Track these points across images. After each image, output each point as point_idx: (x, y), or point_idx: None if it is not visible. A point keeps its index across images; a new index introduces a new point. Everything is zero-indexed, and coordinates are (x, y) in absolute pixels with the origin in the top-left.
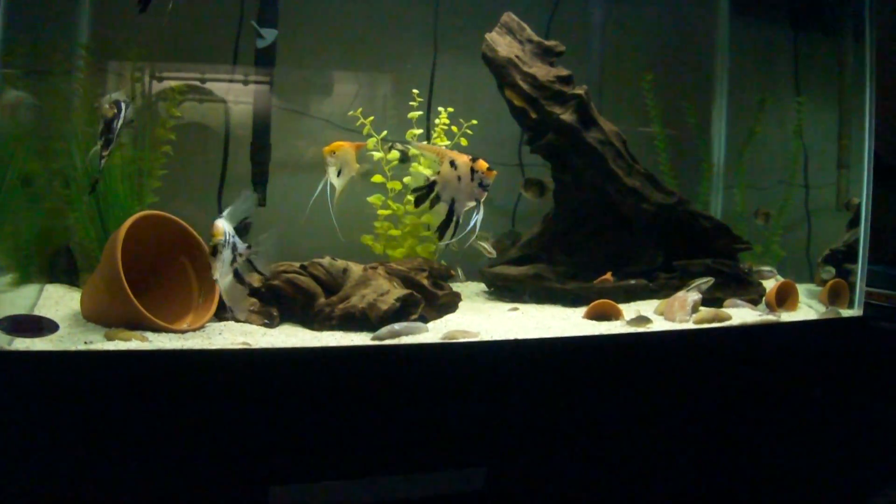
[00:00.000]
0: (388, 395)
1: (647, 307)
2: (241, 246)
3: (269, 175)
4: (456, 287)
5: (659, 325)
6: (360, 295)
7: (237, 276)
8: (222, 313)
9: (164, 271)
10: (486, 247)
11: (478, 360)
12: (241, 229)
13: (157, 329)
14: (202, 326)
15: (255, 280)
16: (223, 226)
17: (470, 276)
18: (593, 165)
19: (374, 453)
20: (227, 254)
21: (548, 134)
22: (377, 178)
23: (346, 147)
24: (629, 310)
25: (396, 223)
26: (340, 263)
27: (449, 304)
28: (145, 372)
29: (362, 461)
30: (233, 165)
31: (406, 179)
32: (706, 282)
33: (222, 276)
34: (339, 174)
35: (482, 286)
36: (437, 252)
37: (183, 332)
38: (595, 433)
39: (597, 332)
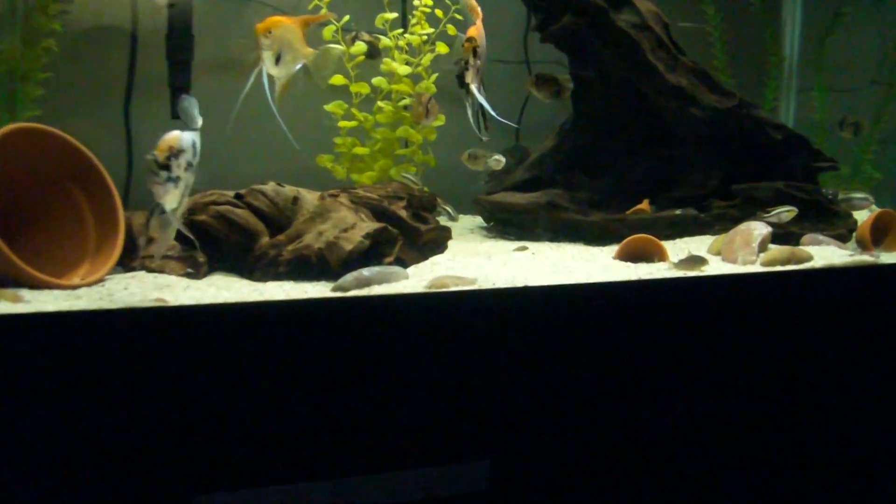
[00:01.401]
0: (354, 366)
1: (698, 245)
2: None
3: (192, 79)
4: (446, 222)
5: (716, 267)
6: (317, 232)
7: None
8: (129, 260)
9: (46, 207)
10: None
11: (475, 315)
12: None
13: (37, 285)
14: (101, 279)
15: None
16: (187, 138)
17: (461, 208)
18: (625, 57)
19: (335, 448)
20: (189, 179)
21: (565, 16)
22: (338, 80)
23: (286, 24)
24: (674, 248)
25: (363, 139)
26: (289, 191)
27: (435, 242)
28: (19, 345)
29: (319, 458)
30: (143, 67)
31: (376, 81)
32: (787, 211)
33: (170, 204)
34: (277, 62)
35: (478, 220)
36: (419, 175)
37: (74, 287)
38: (631, 412)
39: (633, 277)
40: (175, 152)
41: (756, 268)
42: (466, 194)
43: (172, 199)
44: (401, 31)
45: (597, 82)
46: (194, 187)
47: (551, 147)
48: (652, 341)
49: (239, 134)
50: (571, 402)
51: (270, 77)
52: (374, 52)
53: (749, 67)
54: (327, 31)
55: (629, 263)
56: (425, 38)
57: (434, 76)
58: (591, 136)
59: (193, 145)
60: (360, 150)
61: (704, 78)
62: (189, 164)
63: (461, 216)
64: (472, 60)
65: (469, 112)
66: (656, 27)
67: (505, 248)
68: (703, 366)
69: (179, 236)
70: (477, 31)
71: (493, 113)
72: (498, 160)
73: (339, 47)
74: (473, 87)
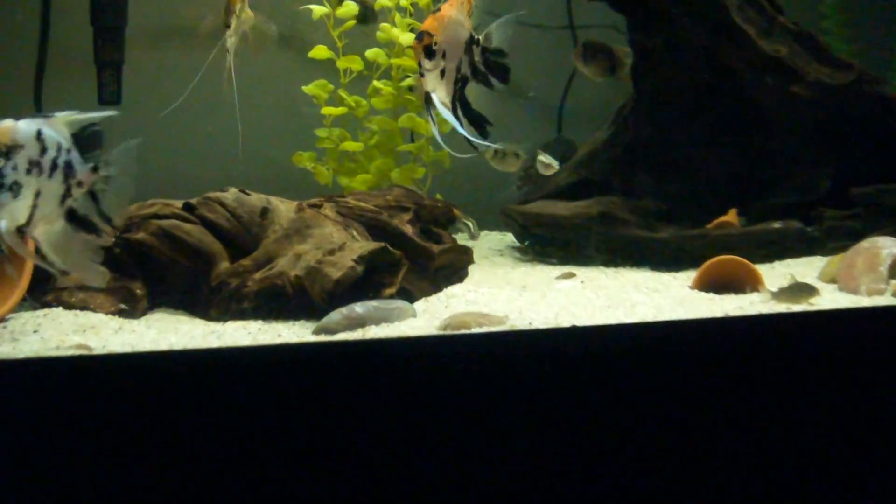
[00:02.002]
0: (344, 433)
1: (804, 269)
2: (81, 168)
3: (126, 54)
4: (465, 240)
5: (830, 299)
6: (293, 255)
7: (75, 220)
8: (42, 293)
9: None
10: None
11: (506, 366)
12: (87, 141)
13: None
14: (2, 318)
15: (105, 234)
16: (26, 129)
17: (486, 221)
18: (703, 18)
19: None
20: (44, 183)
21: None
22: (320, 52)
23: None
24: (772, 274)
25: (355, 132)
26: (256, 200)
27: (452, 267)
28: None
29: None
30: (60, 36)
31: (370, 53)
32: None
33: (41, 218)
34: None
35: (508, 238)
36: (427, 178)
37: None
38: (716, 489)
39: (718, 314)
40: (7, 149)
41: (887, 299)
42: (493, 203)
43: (11, 213)
44: None
45: (665, 52)
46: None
47: (605, 140)
48: (744, 398)
49: (187, 125)
50: (633, 480)
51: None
52: (367, 16)
53: (873, 30)
54: None
55: (712, 295)
56: None
57: None
58: (657, 124)
59: (41, 139)
60: (350, 146)
61: (811, 44)
62: (35, 165)
63: (486, 233)
64: (424, 63)
65: (435, 131)
66: None
67: (545, 275)
68: (812, 429)
69: (106, 257)
70: (439, 18)
71: (463, 132)
72: (547, 163)
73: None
74: (435, 98)
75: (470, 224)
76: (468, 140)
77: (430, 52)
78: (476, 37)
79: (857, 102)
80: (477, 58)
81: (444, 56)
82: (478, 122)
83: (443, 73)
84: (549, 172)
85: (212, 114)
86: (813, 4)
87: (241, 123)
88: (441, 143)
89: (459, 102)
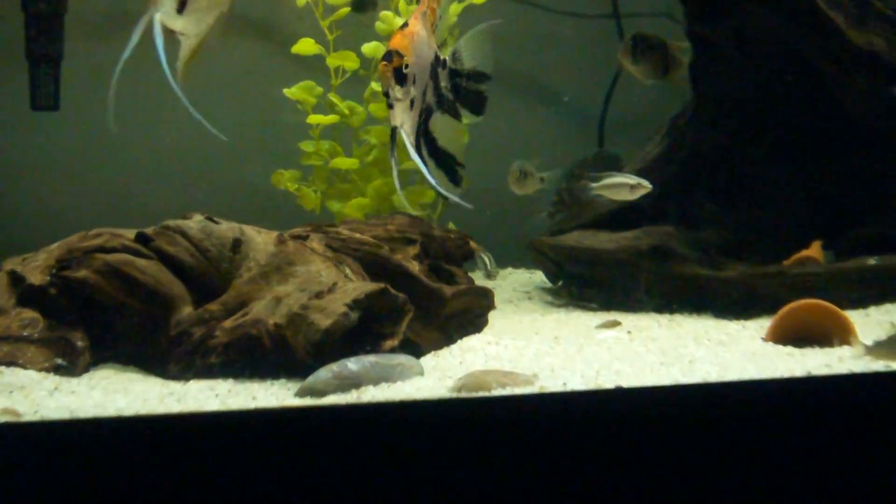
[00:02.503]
0: None
1: None
2: None
3: (65, 47)
4: (481, 280)
5: None
6: (272, 298)
7: None
8: None
9: None
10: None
11: (535, 435)
12: None
13: None
14: None
15: (33, 272)
16: None
17: (510, 256)
18: (778, 3)
19: None
20: None
21: None
22: (305, 47)
23: None
24: (867, 322)
25: (348, 146)
26: (227, 230)
27: (467, 313)
28: None
29: None
30: None
31: (367, 49)
32: None
33: None
34: (182, 9)
35: (537, 277)
36: (438, 204)
37: None
38: None
39: (798, 373)
40: None
41: None
42: (519, 235)
43: None
44: None
45: (732, 47)
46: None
47: (657, 156)
48: (830, 477)
49: (141, 135)
50: None
51: (168, 33)
52: (365, 2)
53: None
54: None
55: (790, 349)
56: None
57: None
58: (721, 136)
59: None
60: (342, 163)
61: None
62: None
63: (509, 270)
64: (394, 91)
65: (395, 173)
66: None
67: (582, 323)
68: None
69: (39, 298)
70: (409, 35)
71: (432, 181)
72: (631, 184)
73: None
74: (404, 135)
75: (486, 259)
76: (438, 192)
77: (401, 77)
78: (442, 57)
79: None
80: (444, 83)
81: (413, 82)
82: (447, 164)
83: (413, 103)
84: (634, 195)
85: (172, 121)
86: None
87: (208, 135)
88: (430, 179)
89: (424, 139)
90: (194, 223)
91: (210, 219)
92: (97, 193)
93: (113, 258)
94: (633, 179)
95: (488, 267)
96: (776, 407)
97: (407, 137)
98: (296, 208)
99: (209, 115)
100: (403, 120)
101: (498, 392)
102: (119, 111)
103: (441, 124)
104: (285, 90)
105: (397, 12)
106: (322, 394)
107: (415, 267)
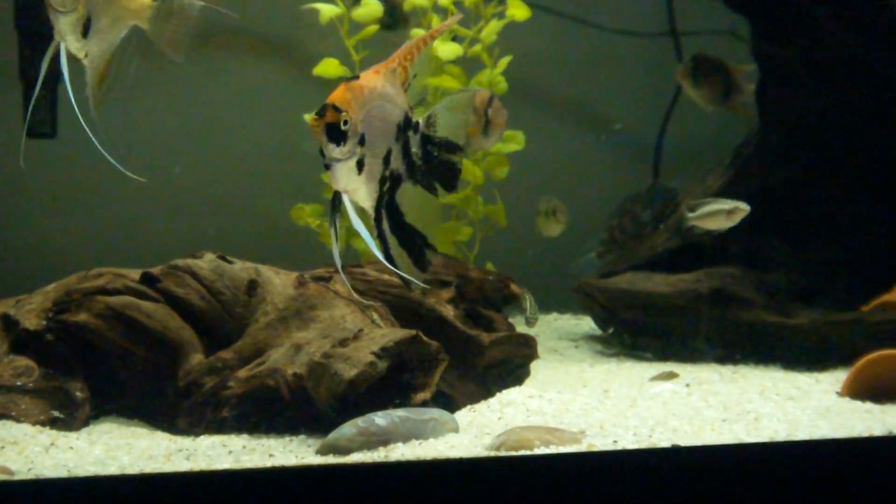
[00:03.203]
0: None
1: None
2: None
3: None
4: (521, 326)
5: None
6: (292, 345)
7: None
8: None
9: None
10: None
11: (583, 500)
12: None
13: None
14: None
15: (28, 316)
16: None
17: (552, 300)
18: (856, 20)
19: None
20: None
21: None
22: (329, 68)
23: None
24: None
25: None
26: (241, 270)
27: (508, 363)
28: None
29: None
30: None
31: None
32: None
33: None
34: (87, 31)
35: (584, 324)
36: (475, 242)
37: None
38: None
39: (879, 432)
40: None
41: None
42: (565, 276)
43: None
44: None
45: (803, 69)
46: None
47: (719, 188)
48: None
49: (148, 163)
50: None
51: (71, 57)
52: (395, 19)
53: None
54: None
55: (869, 405)
56: None
57: (504, 62)
58: (791, 167)
59: None
60: None
61: None
62: None
63: (554, 316)
64: (327, 149)
65: (366, 236)
66: None
67: (636, 374)
68: None
69: (34, 345)
70: (355, 88)
71: (381, 257)
72: (728, 209)
73: None
74: (347, 203)
75: (527, 301)
76: (399, 275)
77: (337, 135)
78: (413, 119)
79: None
80: (415, 148)
81: (362, 142)
82: (412, 243)
83: (361, 166)
84: (732, 221)
85: (183, 149)
86: None
87: (223, 165)
88: (379, 256)
89: (387, 211)
90: (205, 263)
91: (223, 258)
92: (99, 228)
93: (116, 301)
94: (728, 204)
95: (528, 310)
96: (852, 470)
97: (351, 205)
98: (318, 246)
99: (222, 143)
100: (350, 184)
101: (541, 451)
102: (124, 137)
103: (411, 197)
104: (306, 116)
105: (430, 29)
106: (346, 451)
107: (449, 312)
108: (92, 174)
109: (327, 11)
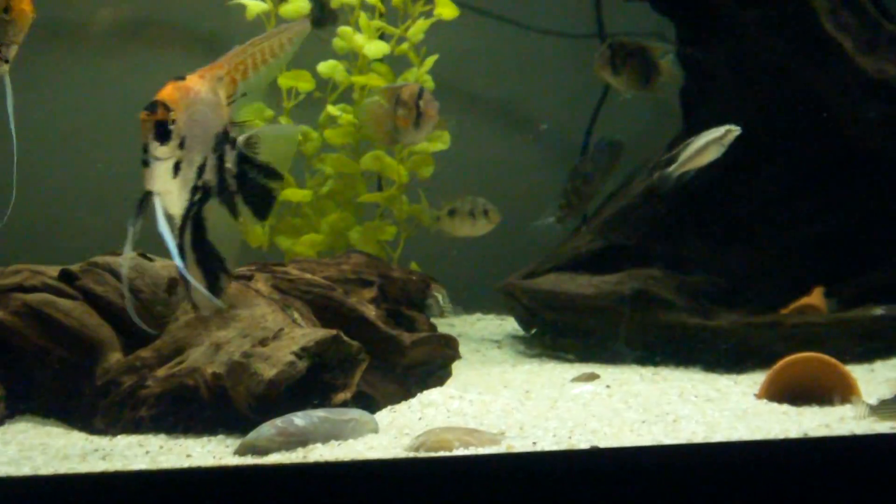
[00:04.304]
0: None
1: None
2: None
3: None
4: (443, 325)
5: None
6: (212, 344)
7: None
8: None
9: None
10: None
11: (502, 501)
12: None
13: None
14: None
15: None
16: None
17: (476, 300)
18: (780, 25)
19: None
20: None
21: None
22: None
23: None
24: (872, 378)
25: (301, 175)
26: (161, 268)
27: (429, 363)
28: None
29: None
30: None
31: (324, 68)
32: None
33: None
34: None
35: (507, 325)
36: (399, 241)
37: None
38: None
39: (794, 434)
40: None
41: None
42: (486, 276)
43: None
44: None
45: (728, 73)
46: None
47: (643, 191)
48: None
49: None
50: None
51: None
52: (323, 16)
53: None
54: None
55: (786, 407)
56: None
57: (431, 61)
58: (713, 170)
59: None
60: (294, 195)
61: None
62: None
63: (478, 317)
64: (152, 147)
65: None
66: None
67: (557, 375)
68: None
69: None
70: (183, 89)
71: (181, 266)
72: (700, 147)
73: None
74: (157, 205)
75: (439, 296)
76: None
77: (163, 133)
78: (232, 135)
79: None
80: (230, 164)
81: (181, 145)
82: (210, 266)
83: (177, 169)
84: (727, 144)
85: (107, 141)
86: None
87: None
88: (179, 264)
89: (192, 224)
90: (126, 260)
91: (143, 255)
92: (16, 224)
93: (33, 298)
94: (717, 131)
95: (440, 304)
96: (769, 471)
97: (161, 210)
98: (241, 245)
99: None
100: (164, 186)
101: (460, 452)
102: (46, 130)
103: (216, 215)
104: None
105: (357, 28)
106: (265, 452)
107: (371, 311)
108: (9, 167)
109: (254, 7)
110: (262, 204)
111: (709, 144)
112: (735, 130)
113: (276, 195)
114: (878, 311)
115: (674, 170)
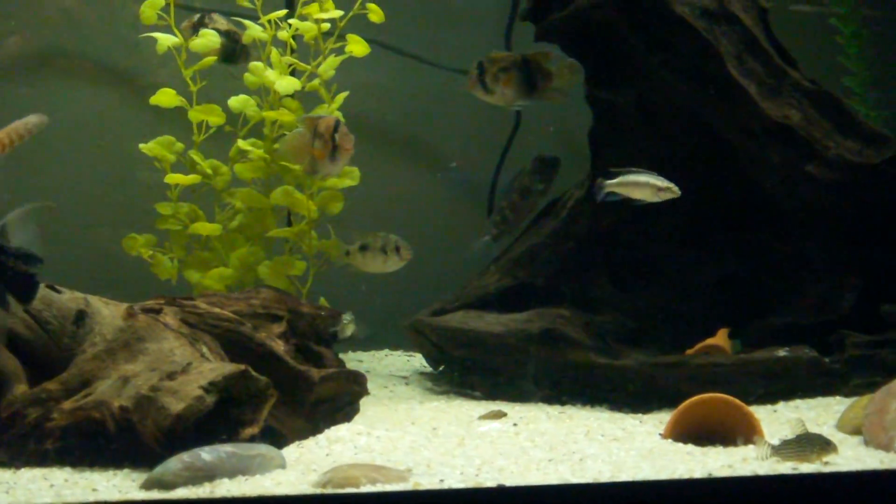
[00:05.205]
0: None
1: (819, 413)
2: None
3: None
4: (351, 361)
5: (852, 456)
6: (119, 378)
7: None
8: None
9: None
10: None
11: None
12: None
13: None
14: None
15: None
16: None
17: (385, 337)
18: (688, 70)
19: None
20: None
21: None
22: (167, 99)
23: None
24: (775, 419)
25: (211, 209)
26: (69, 300)
27: (337, 399)
28: None
29: None
30: None
31: (235, 102)
32: None
33: None
34: None
35: (415, 361)
36: (308, 276)
37: None
38: None
39: (698, 474)
40: None
41: None
42: (394, 312)
43: None
44: (285, 12)
45: (636, 115)
46: None
47: (553, 229)
48: None
49: None
50: None
51: None
52: (235, 51)
53: None
54: (147, 6)
55: (690, 447)
56: (327, 26)
57: (341, 98)
58: (620, 212)
59: None
60: (203, 229)
61: (831, 108)
62: None
63: (385, 353)
64: None
65: None
66: (745, 16)
67: (464, 413)
68: None
69: None
70: None
71: None
72: (638, 182)
73: None
74: None
75: (345, 317)
76: None
77: None
78: None
79: (892, 188)
80: None
81: None
82: None
83: None
84: (659, 198)
85: (13, 172)
86: (833, 55)
87: (52, 190)
88: None
89: None
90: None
91: (51, 287)
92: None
93: None
94: (662, 181)
95: (346, 323)
96: None
97: None
98: (149, 278)
99: (54, 170)
100: None
101: (367, 489)
102: None
103: None
104: (141, 145)
105: (269, 64)
106: (171, 486)
107: (280, 347)
108: None
109: (165, 41)
110: (25, 290)
111: (648, 184)
112: (674, 193)
113: (38, 279)
114: (781, 352)
115: (610, 183)
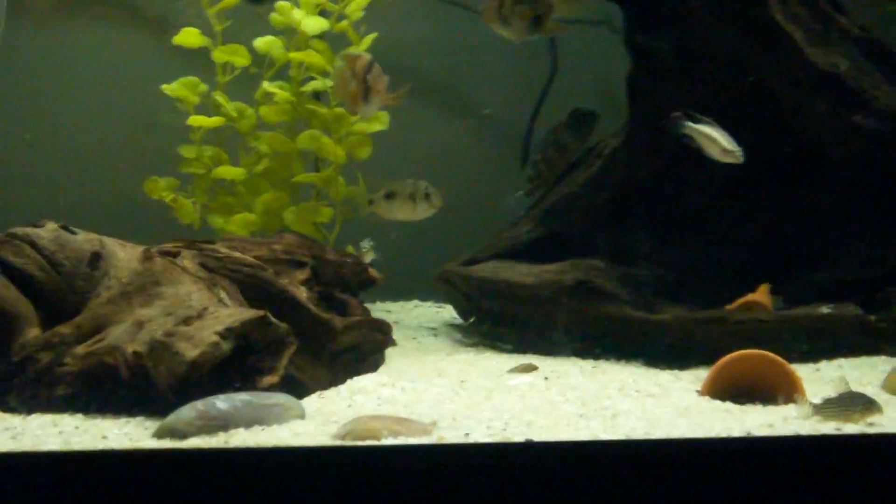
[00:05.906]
0: None
1: (863, 372)
2: None
3: None
4: (379, 311)
5: None
6: (134, 322)
7: None
8: None
9: None
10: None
11: (431, 494)
12: None
13: None
14: None
15: None
16: None
17: (414, 287)
18: (730, 14)
19: None
20: None
21: None
22: (190, 39)
23: None
24: (817, 377)
25: (235, 152)
26: (84, 241)
27: (361, 349)
28: None
29: None
30: None
31: (260, 43)
32: None
33: None
34: None
35: (445, 313)
36: (335, 223)
37: None
38: None
39: (737, 433)
40: None
41: None
42: (424, 262)
43: None
44: None
45: (675, 61)
46: None
47: (587, 179)
48: None
49: None
50: None
51: None
52: None
53: None
54: None
55: (729, 405)
56: None
57: (369, 39)
58: (659, 160)
59: None
60: (227, 173)
61: (882, 57)
62: None
63: (416, 304)
64: None
65: None
66: None
67: (494, 366)
68: None
69: None
70: None
71: None
72: (712, 136)
73: None
74: None
75: (366, 247)
76: None
77: None
78: None
79: None
80: None
81: None
82: None
83: None
84: (723, 159)
85: (33, 115)
86: (883, 2)
87: (76, 132)
88: None
89: None
90: (46, 232)
91: (65, 228)
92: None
93: None
94: (732, 144)
95: (363, 248)
96: (710, 470)
97: None
98: (171, 222)
99: (77, 113)
100: None
101: (388, 441)
102: None
103: None
104: (164, 86)
105: (296, 3)
106: (184, 435)
107: (302, 294)
108: None
109: None
110: None
111: (721, 143)
112: (737, 160)
113: None
114: (825, 309)
115: (690, 126)
